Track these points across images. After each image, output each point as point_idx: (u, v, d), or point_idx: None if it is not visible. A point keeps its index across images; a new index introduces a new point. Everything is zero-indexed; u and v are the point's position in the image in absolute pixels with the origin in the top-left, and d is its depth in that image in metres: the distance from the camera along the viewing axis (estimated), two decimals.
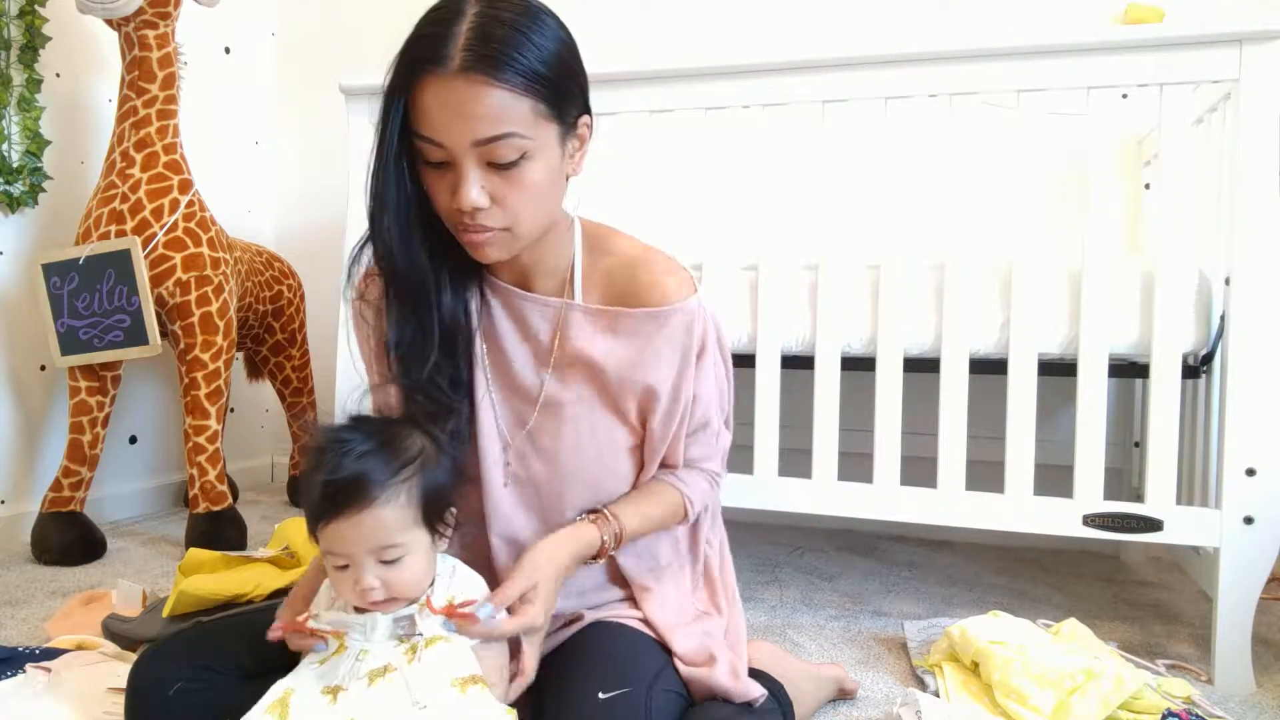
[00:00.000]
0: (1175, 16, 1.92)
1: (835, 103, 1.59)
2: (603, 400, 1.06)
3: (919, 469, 1.59)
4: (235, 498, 2.36)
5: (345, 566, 0.90)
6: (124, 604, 1.53)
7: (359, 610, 0.92)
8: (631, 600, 1.11)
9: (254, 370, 2.66)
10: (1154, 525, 1.43)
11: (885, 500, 1.56)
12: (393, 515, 0.89)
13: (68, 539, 1.96)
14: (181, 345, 2.04)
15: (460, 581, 0.96)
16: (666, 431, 1.06)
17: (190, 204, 2.03)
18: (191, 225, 2.02)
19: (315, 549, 0.98)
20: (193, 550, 1.59)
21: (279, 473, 2.99)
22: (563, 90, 0.94)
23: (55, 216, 2.20)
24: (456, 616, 0.90)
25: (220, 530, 2.02)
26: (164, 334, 2.07)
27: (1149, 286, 1.47)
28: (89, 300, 1.96)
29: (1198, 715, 1.22)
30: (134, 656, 1.21)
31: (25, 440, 2.16)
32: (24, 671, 1.26)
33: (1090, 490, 1.47)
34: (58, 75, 2.19)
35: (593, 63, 1.02)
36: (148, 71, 1.99)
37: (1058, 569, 2.09)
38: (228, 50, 2.82)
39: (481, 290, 1.10)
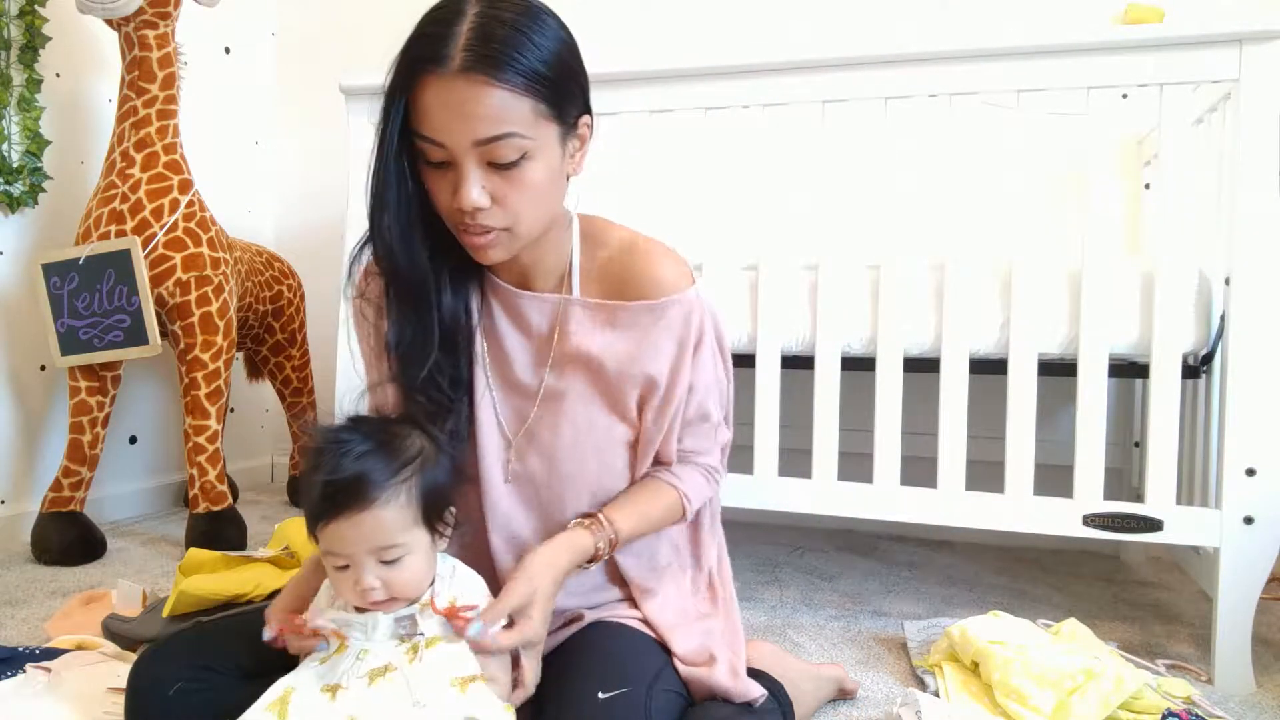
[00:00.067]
0: (1175, 16, 1.92)
1: (835, 103, 1.59)
2: (602, 396, 1.05)
3: (919, 469, 1.59)
4: (235, 498, 2.36)
5: (345, 567, 0.90)
6: (124, 604, 1.53)
7: (359, 610, 0.92)
8: (631, 600, 1.11)
9: (254, 370, 2.66)
10: (1154, 525, 1.43)
11: (885, 500, 1.56)
12: (393, 515, 0.89)
13: (68, 539, 1.96)
14: (181, 345, 2.04)
15: (460, 581, 0.96)
16: (660, 423, 1.05)
17: (190, 204, 2.03)
18: (191, 225, 2.02)
19: (314, 549, 0.98)
20: (193, 550, 1.59)
21: (279, 473, 2.99)
22: (563, 90, 0.94)
23: (55, 216, 2.20)
24: (457, 619, 0.90)
25: (220, 530, 2.02)
26: (164, 334, 2.07)
27: (1149, 286, 1.47)
28: (89, 300, 1.96)
29: (1198, 715, 1.22)
30: (134, 656, 1.21)
31: (25, 440, 2.16)
32: (24, 671, 1.26)
33: (1090, 490, 1.47)
34: (58, 75, 2.19)
35: (593, 63, 1.02)
36: (148, 71, 1.99)
37: (1058, 569, 2.09)
38: (228, 50, 2.82)
39: (481, 289, 1.10)
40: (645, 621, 1.08)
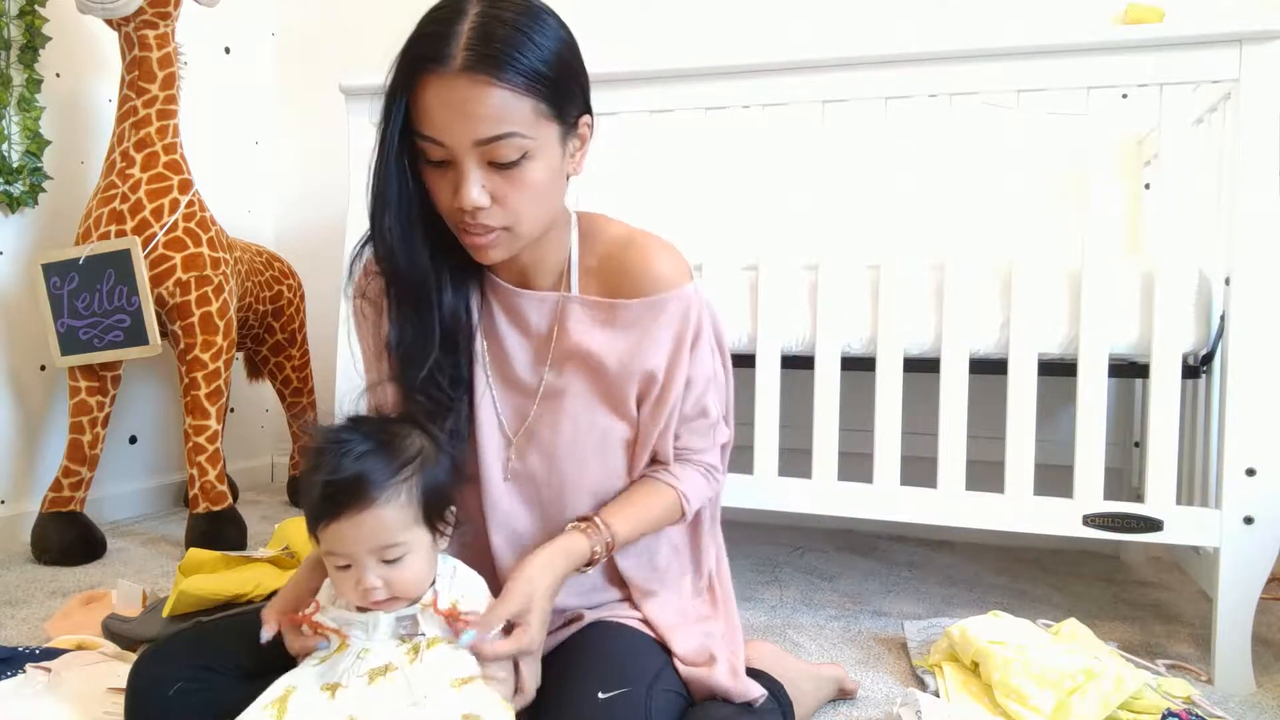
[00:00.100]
0: (1175, 16, 1.92)
1: (835, 103, 1.59)
2: (602, 394, 1.05)
3: (919, 469, 1.59)
4: (235, 498, 2.36)
5: (347, 566, 0.90)
6: (124, 604, 1.53)
7: (361, 610, 0.92)
8: (631, 600, 1.11)
9: (254, 370, 2.66)
10: (1154, 525, 1.43)
11: (885, 500, 1.56)
12: (393, 515, 0.89)
13: (68, 539, 1.96)
14: (181, 345, 2.04)
15: (462, 582, 0.96)
16: (657, 418, 1.05)
17: (190, 204, 2.03)
18: (191, 225, 2.02)
19: (313, 549, 0.98)
20: (193, 550, 1.59)
21: (279, 473, 2.99)
22: (564, 90, 0.94)
23: (55, 216, 2.19)
24: (458, 622, 0.90)
25: (220, 530, 2.02)
26: (164, 334, 2.07)
27: (1149, 286, 1.47)
28: (89, 300, 1.96)
29: (1198, 715, 1.22)
30: (134, 656, 1.21)
31: (25, 440, 2.16)
32: (24, 671, 1.26)
33: (1090, 490, 1.47)
34: (58, 75, 2.19)
35: (593, 63, 1.02)
36: (148, 71, 1.99)
37: (1058, 569, 2.09)
38: (228, 50, 2.82)
39: (481, 288, 1.10)
40: (645, 621, 1.08)
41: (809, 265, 1.63)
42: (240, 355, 2.63)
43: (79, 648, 1.38)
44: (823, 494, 1.59)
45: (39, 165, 2.12)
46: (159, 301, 1.99)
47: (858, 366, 1.63)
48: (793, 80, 1.59)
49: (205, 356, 2.03)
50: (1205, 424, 1.61)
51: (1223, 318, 1.43)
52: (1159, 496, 1.43)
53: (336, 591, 0.94)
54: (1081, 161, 1.48)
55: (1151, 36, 1.41)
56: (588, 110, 1.01)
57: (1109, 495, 1.49)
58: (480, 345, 1.08)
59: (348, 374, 1.64)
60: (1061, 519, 1.48)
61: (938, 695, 1.32)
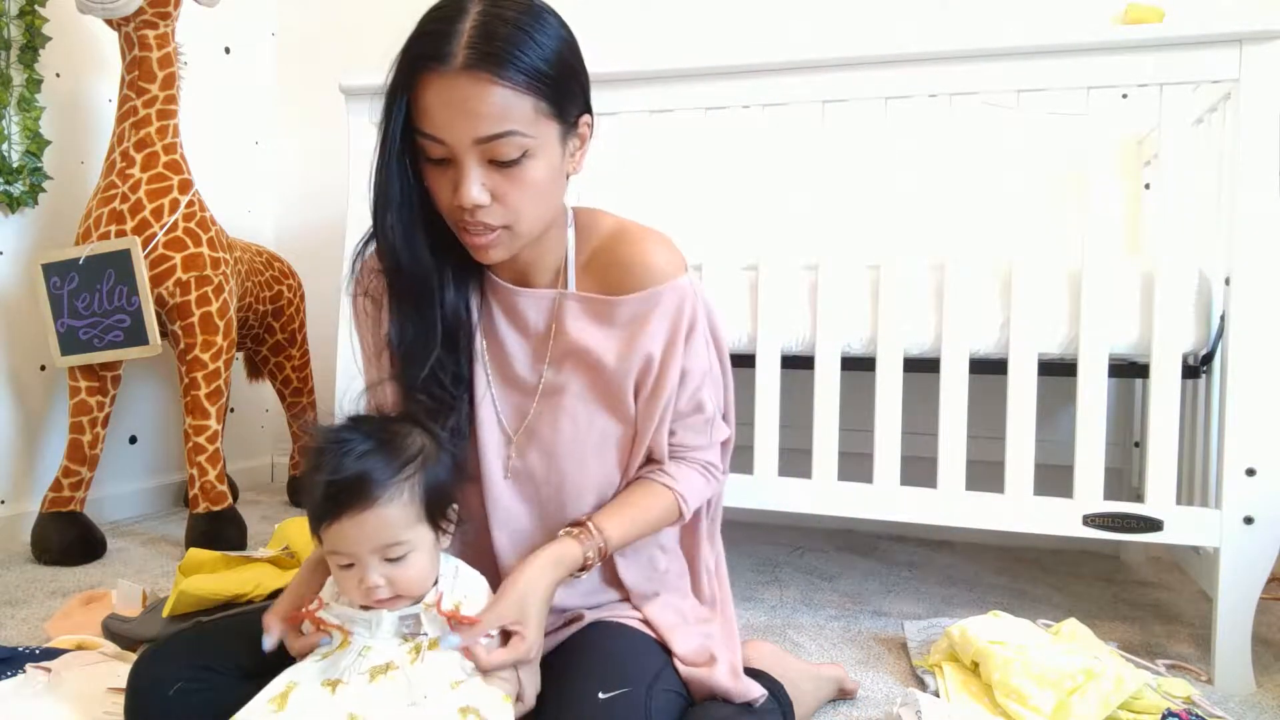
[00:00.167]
0: (1175, 16, 1.92)
1: (835, 103, 1.59)
2: (601, 392, 1.05)
3: (919, 469, 1.59)
4: (235, 498, 2.36)
5: (350, 565, 0.90)
6: (124, 604, 1.53)
7: (364, 608, 0.92)
8: (631, 600, 1.11)
9: (254, 370, 2.66)
10: (1154, 525, 1.43)
11: (885, 500, 1.56)
12: (396, 513, 0.89)
13: (68, 539, 1.96)
14: (181, 345, 2.04)
15: (464, 582, 0.96)
16: (652, 411, 1.04)
17: (190, 204, 2.03)
18: (191, 225, 2.02)
19: (314, 549, 0.98)
20: (193, 550, 1.59)
21: (279, 473, 2.99)
22: (564, 89, 0.94)
23: (55, 216, 2.19)
24: (459, 621, 0.90)
25: (220, 530, 2.02)
26: (164, 334, 2.07)
27: (1149, 286, 1.48)
28: (89, 300, 1.96)
29: (1198, 715, 1.22)
30: (134, 656, 1.21)
31: (25, 440, 2.16)
32: (24, 671, 1.26)
33: (1090, 490, 1.47)
34: (58, 75, 2.19)
35: (593, 63, 1.02)
36: (148, 71, 1.99)
37: (1058, 569, 2.09)
38: (228, 50, 2.82)
39: (481, 287, 1.10)
40: (645, 621, 1.08)
41: (809, 265, 1.63)
42: (240, 355, 2.63)
43: (79, 648, 1.38)
44: (823, 494, 1.59)
45: (39, 165, 2.12)
46: (159, 301, 1.99)
47: (858, 366, 1.63)
48: (793, 80, 1.59)
49: (205, 356, 2.03)
50: (1205, 424, 1.61)
51: (1223, 318, 1.43)
52: (1159, 496, 1.43)
53: (340, 590, 0.94)
54: (1081, 161, 1.48)
55: (1151, 36, 1.41)
56: (588, 110, 1.01)
57: (1109, 495, 1.49)
58: (480, 344, 1.09)
59: (348, 374, 1.64)
60: (1061, 519, 1.48)
61: (938, 695, 1.32)
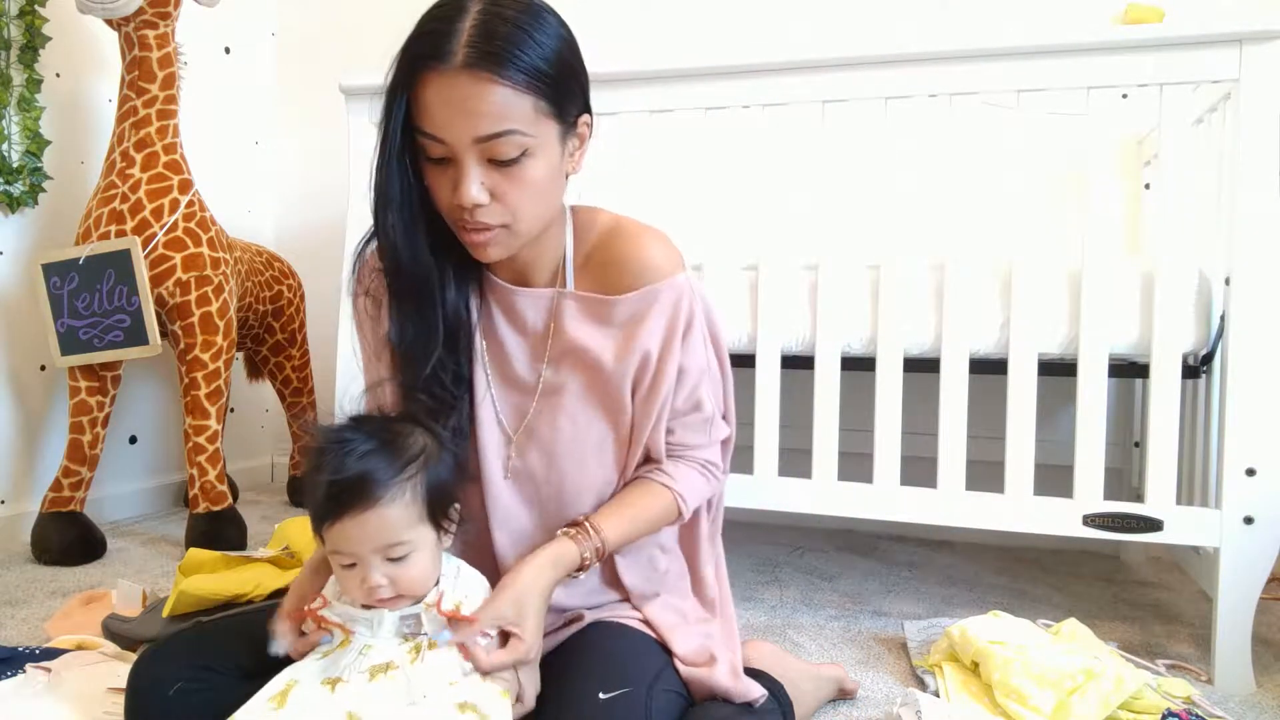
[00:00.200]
0: (1175, 16, 1.92)
1: (835, 103, 1.59)
2: (600, 392, 1.05)
3: (919, 469, 1.59)
4: (235, 498, 2.36)
5: (352, 565, 0.90)
6: (124, 604, 1.53)
7: (366, 607, 0.92)
8: (631, 600, 1.11)
9: (254, 370, 2.66)
10: (1154, 525, 1.43)
11: (885, 500, 1.56)
12: (398, 513, 0.89)
13: (68, 539, 1.96)
14: (181, 345, 2.04)
15: (465, 582, 0.96)
16: (650, 408, 1.04)
17: (190, 204, 2.03)
18: (191, 225, 2.02)
19: (314, 549, 0.98)
20: (193, 550, 1.59)
21: (279, 473, 2.99)
22: (564, 88, 0.94)
23: (55, 216, 2.19)
24: (459, 620, 0.90)
25: (220, 530, 2.02)
26: (164, 334, 2.07)
27: (1149, 286, 1.48)
28: (89, 300, 1.96)
29: (1198, 715, 1.22)
30: (134, 656, 1.21)
31: (25, 440, 2.16)
32: (24, 671, 1.26)
33: (1090, 490, 1.47)
34: (58, 75, 2.19)
35: (593, 63, 1.02)
36: (148, 71, 1.99)
37: (1058, 569, 2.09)
38: (228, 50, 2.82)
39: (480, 287, 1.10)
40: (646, 622, 1.08)
41: (809, 265, 1.63)
42: (240, 355, 2.63)
43: (79, 648, 1.38)
44: (823, 494, 1.59)
45: (39, 165, 2.12)
46: (159, 301, 1.99)
47: (858, 366, 1.63)
48: (793, 80, 1.59)
49: (205, 356, 2.03)
50: (1205, 424, 1.61)
51: (1223, 318, 1.43)
52: (1159, 496, 1.43)
53: (342, 589, 0.94)
54: (1081, 161, 1.48)
55: (1151, 36, 1.41)
56: (587, 109, 1.01)
57: (1109, 495, 1.49)
58: (480, 344, 1.09)
59: (348, 374, 1.64)
60: (1061, 519, 1.48)
61: (938, 695, 1.32)
